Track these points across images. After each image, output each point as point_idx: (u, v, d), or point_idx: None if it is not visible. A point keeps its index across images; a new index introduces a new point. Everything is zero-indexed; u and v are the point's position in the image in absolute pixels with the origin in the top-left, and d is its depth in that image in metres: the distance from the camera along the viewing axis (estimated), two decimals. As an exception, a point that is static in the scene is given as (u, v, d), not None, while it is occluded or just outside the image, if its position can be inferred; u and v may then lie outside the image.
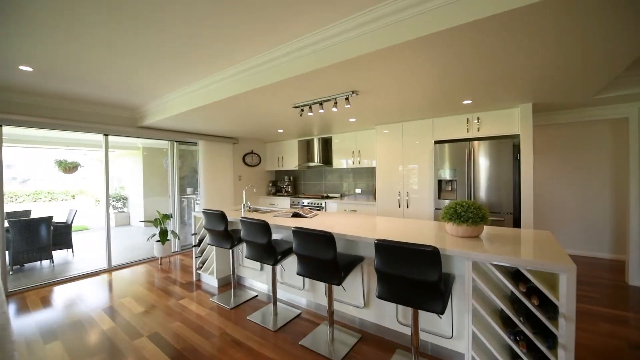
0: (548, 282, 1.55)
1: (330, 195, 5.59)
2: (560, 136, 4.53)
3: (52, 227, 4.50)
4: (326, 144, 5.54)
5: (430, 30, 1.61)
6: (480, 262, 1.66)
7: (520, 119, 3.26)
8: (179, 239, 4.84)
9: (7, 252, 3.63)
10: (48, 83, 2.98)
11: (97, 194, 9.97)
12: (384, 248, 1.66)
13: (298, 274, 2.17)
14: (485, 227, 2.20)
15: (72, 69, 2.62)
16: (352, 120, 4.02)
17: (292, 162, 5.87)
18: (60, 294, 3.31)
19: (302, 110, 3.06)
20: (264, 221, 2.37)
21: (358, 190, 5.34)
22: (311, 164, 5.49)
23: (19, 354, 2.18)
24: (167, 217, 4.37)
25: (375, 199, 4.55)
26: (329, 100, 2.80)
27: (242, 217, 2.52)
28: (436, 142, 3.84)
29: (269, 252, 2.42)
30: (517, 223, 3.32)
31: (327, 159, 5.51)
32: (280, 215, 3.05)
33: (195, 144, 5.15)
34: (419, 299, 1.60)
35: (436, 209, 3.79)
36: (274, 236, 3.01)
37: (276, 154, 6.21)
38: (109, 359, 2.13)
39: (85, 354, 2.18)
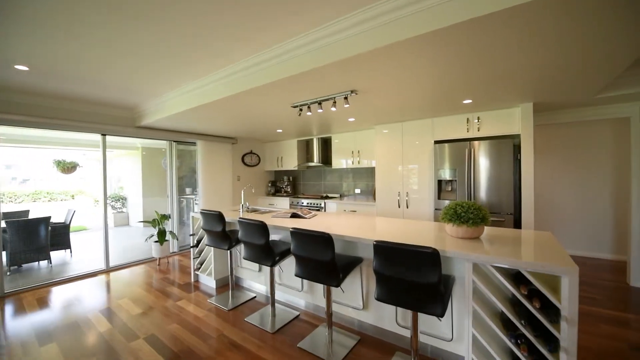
0: (549, 284, 1.53)
1: (330, 195, 5.56)
2: (561, 136, 4.51)
3: (49, 228, 4.48)
4: (325, 144, 5.51)
5: (428, 29, 1.59)
6: (480, 263, 1.63)
7: (520, 119, 3.23)
8: (177, 239, 4.82)
9: (4, 252, 3.61)
10: (44, 82, 2.96)
11: (96, 194, 9.95)
12: (383, 249, 1.64)
13: (296, 275, 2.15)
14: (485, 227, 2.17)
15: (70, 68, 2.60)
16: (351, 120, 3.99)
17: (291, 162, 5.84)
18: (57, 295, 3.28)
19: (301, 109, 3.04)
20: (262, 222, 2.34)
21: (357, 191, 5.31)
22: (310, 164, 5.46)
23: (8, 358, 2.16)
24: (165, 217, 4.34)
25: (374, 199, 4.53)
26: (327, 99, 2.78)
27: (239, 218, 2.50)
28: (436, 142, 3.81)
29: (266, 253, 2.39)
30: (517, 223, 3.30)
31: (326, 159, 5.48)
32: (279, 216, 3.03)
33: (194, 144, 5.12)
34: (418, 302, 1.58)
35: (436, 209, 3.76)
36: (273, 237, 2.98)
37: (275, 154, 6.18)
38: (105, 361, 2.10)
39: (81, 356, 2.15)
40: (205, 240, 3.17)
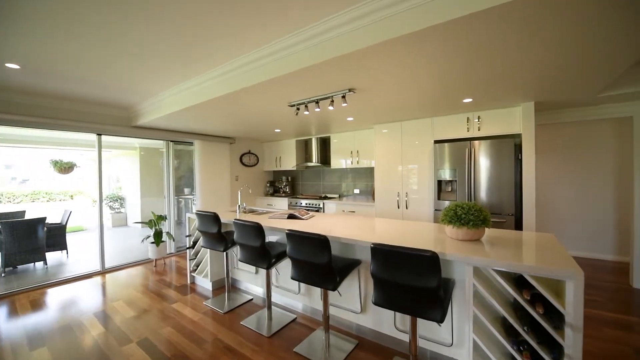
0: (553, 288, 1.48)
1: (329, 195, 5.51)
2: (562, 135, 4.45)
3: (45, 229, 4.43)
4: (324, 144, 5.46)
5: (426, 25, 1.54)
6: (481, 267, 1.58)
7: (521, 118, 3.18)
8: (174, 240, 4.76)
9: (-2, 254, 3.56)
10: (38, 82, 2.91)
11: (95, 194, 9.91)
12: (381, 252, 1.58)
13: (292, 278, 2.09)
14: (486, 229, 2.12)
15: (65, 67, 2.56)
16: (350, 119, 3.94)
17: (290, 162, 5.79)
18: (51, 297, 3.23)
19: (298, 108, 2.98)
20: (257, 223, 2.29)
21: (357, 191, 5.26)
22: (309, 164, 5.41)
23: None
24: (161, 218, 4.29)
25: (374, 199, 4.48)
26: (325, 98, 2.72)
27: (235, 219, 2.44)
28: (436, 142, 3.76)
29: (262, 255, 2.34)
30: (518, 224, 3.24)
31: (325, 159, 5.43)
32: (276, 217, 2.98)
33: (191, 143, 5.07)
34: (417, 307, 1.53)
35: (436, 210, 3.71)
36: (270, 238, 2.93)
37: (274, 153, 6.13)
38: (96, 366, 2.05)
39: (72, 362, 2.10)
40: (201, 241, 3.12)
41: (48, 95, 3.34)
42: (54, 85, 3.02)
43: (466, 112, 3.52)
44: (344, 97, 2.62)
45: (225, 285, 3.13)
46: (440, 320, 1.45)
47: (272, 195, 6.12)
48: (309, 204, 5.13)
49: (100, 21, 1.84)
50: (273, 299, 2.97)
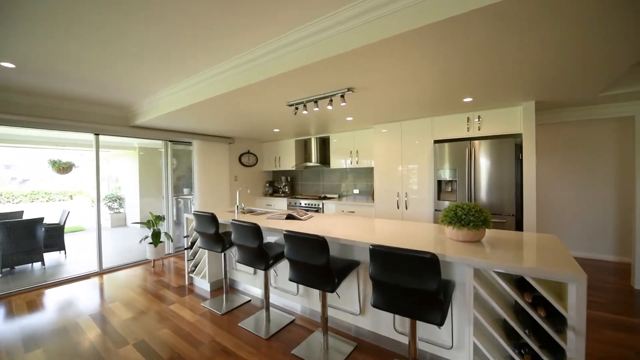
0: (555, 290, 1.45)
1: (328, 196, 5.48)
2: (563, 135, 4.42)
3: (43, 229, 4.40)
4: (324, 144, 5.43)
5: (421, 23, 1.51)
6: (482, 269, 1.55)
7: (522, 118, 3.15)
8: (172, 240, 4.73)
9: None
10: (35, 81, 2.88)
11: (94, 194, 9.90)
12: (379, 254, 1.56)
13: (290, 280, 2.07)
14: (486, 229, 2.09)
15: (64, 67, 2.53)
16: (349, 119, 3.91)
17: (289, 162, 5.76)
18: (48, 298, 3.21)
19: (297, 108, 2.96)
20: (255, 224, 2.26)
21: (356, 191, 5.23)
22: (309, 164, 5.38)
23: None
24: (159, 218, 4.26)
25: (373, 199, 4.45)
26: (323, 97, 2.70)
27: (232, 220, 2.42)
28: (436, 142, 3.73)
29: (260, 256, 2.31)
30: (519, 225, 3.22)
31: (324, 159, 5.40)
32: (274, 217, 2.95)
33: (190, 143, 5.04)
34: (416, 309, 1.50)
35: (436, 210, 3.68)
36: (269, 239, 2.91)
37: (273, 153, 6.10)
38: (91, 369, 2.02)
39: (67, 364, 2.07)
40: (199, 242, 3.09)
41: (45, 94, 3.32)
42: (52, 85, 3.00)
43: (466, 112, 3.50)
44: (342, 96, 2.60)
45: (223, 287, 3.10)
46: (440, 323, 1.43)
47: (272, 195, 6.09)
48: (309, 204, 5.10)
49: (100, 21, 1.83)
50: (271, 300, 2.94)
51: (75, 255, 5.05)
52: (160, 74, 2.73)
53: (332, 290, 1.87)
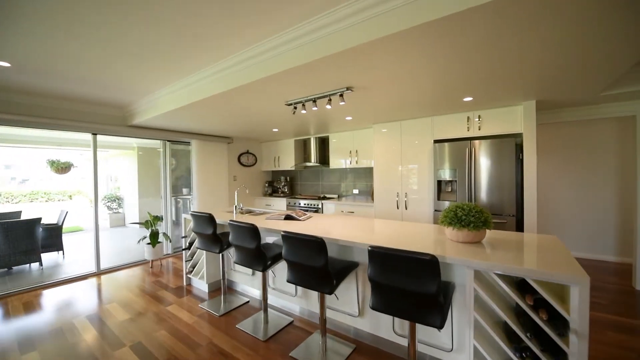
0: (557, 293, 1.43)
1: (328, 196, 5.45)
2: (563, 135, 4.39)
3: (40, 229, 4.38)
4: (323, 144, 5.41)
5: (419, 21, 1.49)
6: (482, 271, 1.53)
7: (523, 117, 3.12)
8: (170, 241, 4.71)
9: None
10: (32, 80, 2.86)
11: (92, 194, 9.86)
12: (378, 255, 1.53)
13: (288, 281, 2.04)
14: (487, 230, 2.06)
15: (61, 66, 2.51)
16: (348, 118, 3.89)
17: (288, 162, 5.74)
18: (44, 299, 3.18)
19: (295, 107, 2.93)
20: (253, 225, 2.24)
21: (356, 191, 5.21)
22: (308, 164, 5.36)
23: None
24: (157, 218, 4.24)
25: (373, 200, 4.42)
26: (322, 97, 2.67)
27: (230, 221, 2.39)
28: (436, 142, 3.70)
29: (258, 257, 2.28)
30: (519, 225, 3.19)
31: (324, 158, 5.38)
32: (272, 218, 2.92)
33: (188, 143, 5.02)
34: (415, 312, 1.47)
35: (435, 210, 3.66)
36: (267, 239, 2.88)
37: (272, 153, 6.08)
38: (87, 372, 2.00)
39: (62, 367, 2.05)
40: (196, 243, 3.06)
41: (43, 94, 3.29)
42: (51, 84, 2.98)
43: (466, 111, 3.47)
44: (341, 95, 2.57)
45: (221, 288, 3.08)
46: (439, 326, 1.40)
47: (271, 195, 6.06)
48: (308, 204, 5.07)
49: (100, 21, 1.82)
50: (270, 302, 2.92)
51: (74, 255, 5.02)
52: (158, 73, 2.71)
53: (331, 292, 1.85)
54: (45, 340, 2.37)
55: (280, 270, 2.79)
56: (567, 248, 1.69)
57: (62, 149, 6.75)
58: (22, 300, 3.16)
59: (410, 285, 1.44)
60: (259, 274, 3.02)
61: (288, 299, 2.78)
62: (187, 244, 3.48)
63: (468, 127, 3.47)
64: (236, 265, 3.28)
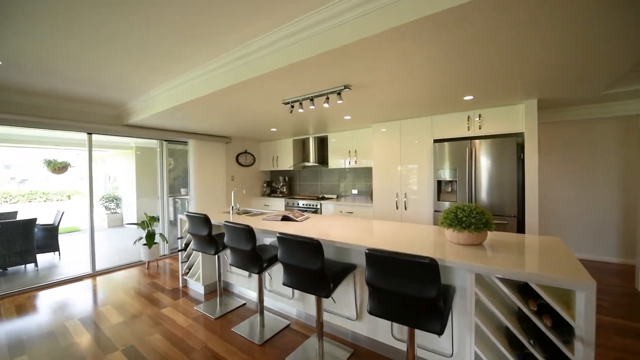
0: (561, 297, 1.37)
1: (327, 196, 5.40)
2: (564, 134, 4.33)
3: (36, 230, 4.32)
4: (322, 143, 5.35)
5: (420, 15, 1.44)
6: (484, 274, 1.47)
7: (524, 116, 3.07)
8: (167, 242, 4.65)
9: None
10: (28, 79, 2.82)
11: (94, 194, 9.79)
12: (376, 258, 1.48)
13: (284, 284, 1.99)
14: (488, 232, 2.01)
15: (57, 65, 2.48)
16: (347, 118, 3.83)
17: (287, 162, 5.68)
18: (38, 301, 3.13)
19: (292, 106, 2.87)
20: (248, 226, 2.18)
21: (355, 191, 5.15)
22: (307, 163, 5.30)
23: None
24: (153, 219, 4.18)
25: (372, 200, 4.37)
26: (320, 95, 2.62)
27: (225, 222, 2.34)
28: (435, 141, 3.65)
29: (253, 259, 2.23)
30: (520, 226, 3.14)
31: (323, 158, 5.32)
32: (269, 219, 2.87)
33: (186, 143, 4.96)
34: (414, 317, 1.42)
35: (435, 211, 3.60)
36: (265, 241, 2.83)
37: (271, 153, 6.02)
38: (77, 377, 1.95)
39: (52, 372, 2.00)
40: (192, 244, 3.01)
41: (36, 93, 3.24)
42: (48, 84, 2.95)
43: (467, 111, 3.41)
44: (339, 94, 2.51)
45: (217, 289, 3.02)
46: (439, 332, 1.35)
47: (269, 195, 6.01)
48: (307, 205, 5.02)
49: (100, 21, 1.81)
50: (266, 304, 2.87)
51: (70, 256, 4.96)
52: (156, 72, 2.67)
53: (327, 296, 1.79)
54: (36, 344, 2.32)
55: (277, 272, 2.74)
56: (570, 250, 1.64)
57: (60, 148, 6.69)
58: (14, 302, 3.11)
59: (409, 289, 1.38)
60: (255, 276, 2.96)
61: (285, 301, 2.73)
62: (183, 245, 3.42)
63: (468, 127, 3.42)
64: (232, 267, 3.22)
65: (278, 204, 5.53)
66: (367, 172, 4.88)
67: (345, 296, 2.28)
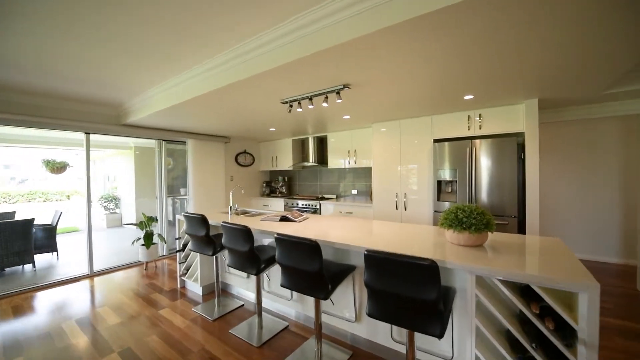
0: (563, 299, 1.35)
1: (326, 196, 5.37)
2: (564, 134, 4.30)
3: (34, 230, 4.29)
4: (321, 143, 5.33)
5: (419, 12, 1.42)
6: (484, 276, 1.45)
7: (525, 116, 3.05)
8: (165, 242, 4.62)
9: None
10: (25, 79, 2.79)
11: (92, 194, 9.77)
12: (375, 260, 1.45)
13: (282, 285, 1.96)
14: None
15: (53, 64, 2.45)
16: (346, 117, 3.81)
17: (286, 162, 5.66)
18: (35, 302, 3.10)
19: (291, 106, 2.85)
20: (245, 227, 2.16)
21: (355, 192, 5.13)
22: (306, 163, 5.28)
23: None
24: (151, 219, 4.16)
25: (372, 200, 4.34)
26: (318, 95, 2.59)
27: (222, 222, 2.31)
28: (435, 141, 3.62)
29: (251, 260, 2.20)
30: (521, 226, 3.11)
31: (322, 158, 5.30)
32: (267, 219, 2.85)
33: (184, 142, 4.93)
34: (414, 320, 1.39)
35: (435, 211, 3.58)
36: (264, 241, 2.80)
37: (270, 153, 6.00)
38: (72, 380, 1.92)
39: (47, 374, 1.97)
40: (190, 245, 2.99)
41: (33, 92, 3.21)
42: (48, 84, 2.93)
43: (467, 110, 3.39)
44: (338, 93, 2.49)
45: (215, 290, 3.00)
46: (440, 335, 1.32)
47: (269, 195, 5.99)
48: (306, 205, 4.99)
49: (99, 21, 1.80)
50: (265, 305, 2.84)
51: (68, 257, 4.94)
52: (155, 71, 2.66)
53: (326, 298, 1.77)
54: (32, 345, 2.30)
55: (276, 273, 2.72)
56: (572, 251, 1.61)
57: (59, 148, 6.67)
58: (11, 303, 3.09)
59: (409, 291, 1.36)
60: (254, 276, 2.94)
61: (283, 302, 2.71)
62: (181, 246, 3.40)
63: (469, 126, 3.39)
64: (231, 268, 3.20)
65: (277, 204, 5.50)
66: (366, 172, 4.86)
67: (345, 297, 2.26)
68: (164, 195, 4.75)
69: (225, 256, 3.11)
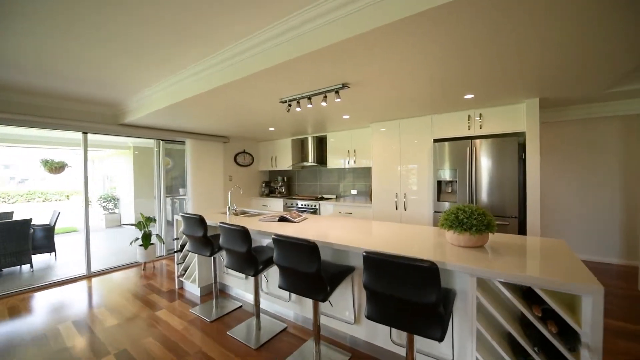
0: (566, 302, 1.32)
1: (326, 196, 5.35)
2: (565, 134, 4.27)
3: (32, 230, 4.27)
4: (321, 143, 5.30)
5: (418, 9, 1.39)
6: (486, 278, 1.42)
7: (526, 116, 3.02)
8: (163, 243, 4.59)
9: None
10: (25, 79, 2.77)
11: (91, 194, 9.75)
12: (374, 261, 1.43)
13: (280, 287, 1.94)
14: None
15: (52, 64, 2.44)
16: (346, 117, 3.78)
17: (285, 162, 5.63)
18: (31, 303, 3.07)
19: (290, 105, 2.82)
20: (243, 227, 2.13)
21: (354, 192, 5.10)
22: (305, 163, 5.25)
23: None
24: (150, 220, 4.13)
25: (371, 200, 4.32)
26: (317, 94, 2.57)
27: (220, 223, 2.29)
28: (435, 141, 3.60)
29: (249, 261, 2.18)
30: (522, 227, 3.09)
31: (322, 158, 5.27)
32: (266, 220, 2.82)
33: (183, 142, 4.91)
34: (414, 323, 1.37)
35: (435, 211, 3.55)
36: (263, 242, 2.78)
37: (269, 153, 5.97)
38: (67, 383, 1.89)
39: (41, 377, 1.94)
40: (187, 245, 2.96)
41: (30, 92, 3.19)
42: (48, 83, 2.91)
43: (467, 110, 3.36)
44: (337, 92, 2.46)
45: (213, 291, 2.97)
46: (440, 338, 1.30)
47: (268, 195, 5.96)
48: (305, 205, 4.97)
49: (99, 21, 1.79)
50: (263, 307, 2.81)
51: (66, 257, 4.91)
52: (154, 70, 2.64)
53: (324, 299, 1.74)
54: (26, 347, 2.27)
55: (274, 274, 2.69)
56: (575, 253, 1.59)
57: (58, 148, 6.65)
58: (7, 304, 3.06)
59: (408, 294, 1.33)
60: (252, 277, 2.91)
61: (282, 304, 2.68)
62: (179, 246, 3.37)
63: (469, 126, 3.37)
64: (229, 269, 3.17)
65: (277, 205, 5.48)
66: (366, 172, 4.83)
67: (343, 299, 2.23)
68: (162, 195, 4.72)
69: (223, 257, 3.09)
